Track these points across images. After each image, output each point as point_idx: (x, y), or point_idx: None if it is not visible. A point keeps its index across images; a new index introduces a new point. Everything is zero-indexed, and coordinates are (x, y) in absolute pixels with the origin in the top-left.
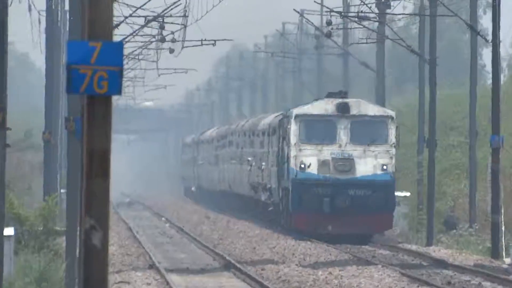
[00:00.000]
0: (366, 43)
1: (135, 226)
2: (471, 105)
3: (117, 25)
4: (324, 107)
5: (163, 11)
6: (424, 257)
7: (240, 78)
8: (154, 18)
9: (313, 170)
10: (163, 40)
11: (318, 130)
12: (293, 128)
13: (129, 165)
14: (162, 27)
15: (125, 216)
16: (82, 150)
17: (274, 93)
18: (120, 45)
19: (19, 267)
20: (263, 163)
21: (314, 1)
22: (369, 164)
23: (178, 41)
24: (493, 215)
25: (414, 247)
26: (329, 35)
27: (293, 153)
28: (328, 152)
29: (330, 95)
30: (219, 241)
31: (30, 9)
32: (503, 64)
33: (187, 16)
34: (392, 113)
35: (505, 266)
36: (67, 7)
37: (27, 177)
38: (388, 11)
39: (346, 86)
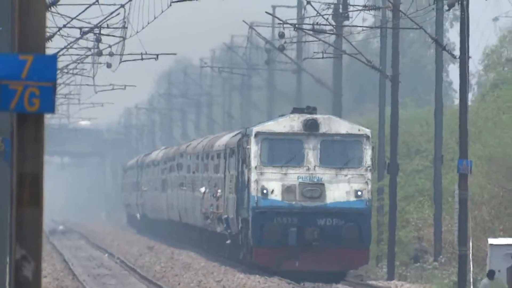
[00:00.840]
0: (322, 58)
1: (70, 257)
2: (436, 126)
3: (50, 37)
4: (290, 124)
5: (100, 22)
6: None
7: (184, 96)
8: (91, 30)
9: (277, 196)
10: (100, 53)
11: (283, 151)
12: (254, 148)
13: (63, 190)
14: (99, 40)
15: (59, 246)
16: (11, 174)
17: (221, 112)
18: (53, 58)
19: None
20: (219, 190)
21: (266, 12)
22: (341, 189)
23: (117, 54)
24: (460, 247)
25: (374, 283)
26: (281, 49)
27: (253, 177)
28: (294, 176)
29: (296, 110)
30: (162, 274)
31: None
32: (472, 82)
33: (126, 28)
34: (367, 131)
35: None
36: None
37: None
38: (346, 23)
39: (299, 104)
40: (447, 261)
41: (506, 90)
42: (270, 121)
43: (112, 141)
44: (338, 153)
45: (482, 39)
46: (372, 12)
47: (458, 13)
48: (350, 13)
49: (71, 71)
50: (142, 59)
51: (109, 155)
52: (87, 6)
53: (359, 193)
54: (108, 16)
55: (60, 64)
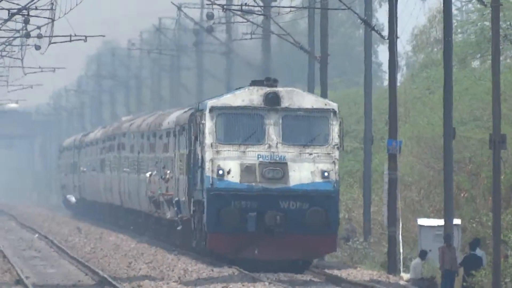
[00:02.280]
0: (251, 38)
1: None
2: (366, 107)
3: None
4: (249, 97)
5: (28, 3)
6: (315, 272)
7: (113, 78)
8: (19, 11)
9: (235, 177)
10: (28, 35)
11: (241, 127)
12: (208, 124)
13: None
14: (27, 21)
15: None
16: None
17: (150, 94)
18: None
19: None
20: (168, 171)
21: None
22: (306, 170)
23: (45, 36)
24: (389, 228)
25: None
26: (210, 30)
27: (208, 156)
28: (253, 154)
29: (255, 83)
30: (92, 255)
31: None
32: (401, 63)
33: (55, 10)
34: (334, 105)
35: (403, 282)
36: None
37: None
38: (274, 3)
39: (228, 86)
40: (377, 242)
41: (435, 71)
42: (226, 94)
43: (41, 123)
44: (302, 129)
45: (410, 20)
46: None
47: None
48: None
49: None
50: (71, 40)
51: (38, 137)
52: None
53: (326, 173)
54: None
55: None
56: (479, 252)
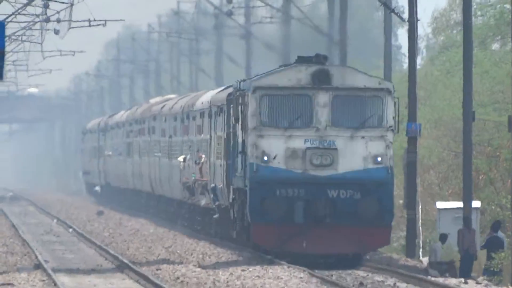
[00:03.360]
0: (271, 22)
1: (19, 223)
2: None
3: None
4: (296, 76)
5: None
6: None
7: (132, 62)
8: None
9: (280, 163)
10: (47, 20)
11: (287, 109)
12: (252, 106)
13: (11, 157)
14: (46, 6)
15: (9, 213)
16: None
17: (169, 78)
18: (1, 25)
19: None
20: (202, 155)
21: None
22: (357, 155)
23: (64, 21)
24: (408, 211)
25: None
26: (229, 14)
27: (251, 140)
28: (301, 139)
29: (301, 59)
30: (111, 240)
31: None
32: (421, 45)
33: None
34: (389, 84)
35: (423, 265)
36: None
37: None
38: None
39: (248, 70)
40: (396, 225)
41: (455, 53)
42: (271, 73)
43: (60, 107)
44: (354, 111)
45: (431, 2)
46: None
47: None
48: None
49: (19, 38)
50: (90, 25)
51: (58, 121)
52: None
53: (379, 158)
54: None
55: (7, 31)
56: (500, 234)
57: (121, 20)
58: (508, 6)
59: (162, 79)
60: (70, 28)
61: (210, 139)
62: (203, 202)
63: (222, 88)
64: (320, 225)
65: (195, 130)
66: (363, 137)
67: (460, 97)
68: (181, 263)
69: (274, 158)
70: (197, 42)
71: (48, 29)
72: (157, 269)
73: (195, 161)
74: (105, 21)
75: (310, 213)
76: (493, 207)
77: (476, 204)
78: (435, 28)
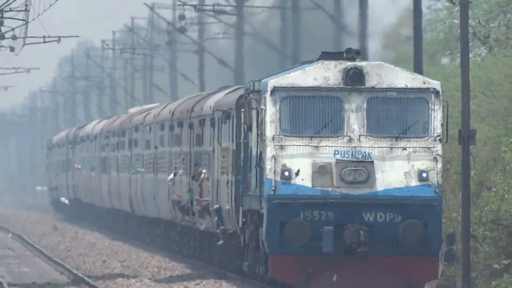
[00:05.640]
0: (223, 38)
1: None
2: None
3: None
4: (323, 74)
5: (2, 5)
6: None
7: (86, 78)
8: None
9: (305, 181)
10: (2, 37)
11: (313, 114)
12: (270, 110)
13: None
14: (1, 23)
15: None
16: None
17: (124, 94)
18: None
19: None
20: (203, 170)
21: None
22: (398, 170)
23: (19, 37)
24: None
25: None
26: (182, 30)
27: (269, 152)
28: (329, 150)
29: (327, 56)
30: (66, 254)
31: None
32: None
33: (29, 11)
34: (436, 84)
35: None
36: None
37: None
38: (247, 4)
39: (202, 86)
40: None
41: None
42: (293, 70)
43: (15, 123)
44: (394, 116)
45: (381, 18)
46: None
47: None
48: None
49: None
50: (44, 42)
51: (13, 137)
52: None
53: (424, 174)
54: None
55: None
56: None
57: (75, 36)
58: (456, 21)
59: (116, 94)
60: (24, 44)
61: (213, 151)
62: (203, 226)
63: (231, 89)
64: (354, 256)
65: (191, 140)
66: (405, 149)
67: None
68: (136, 276)
69: (297, 173)
70: (151, 58)
71: (3, 46)
72: (112, 283)
73: (193, 177)
74: (60, 37)
75: (341, 240)
76: (443, 221)
77: None
78: (386, 43)
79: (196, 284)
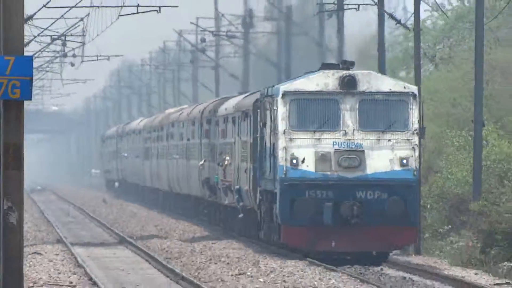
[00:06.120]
0: (234, 56)
1: (45, 208)
2: None
3: (28, 43)
4: (323, 81)
5: (65, 31)
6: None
7: (129, 87)
8: (58, 37)
9: (309, 166)
10: (65, 55)
11: (315, 113)
12: (281, 110)
13: (38, 160)
14: (64, 45)
15: (37, 200)
16: (0, 144)
17: (157, 100)
18: (30, 59)
19: None
20: (226, 157)
21: (191, 23)
22: (384, 157)
23: (78, 56)
24: None
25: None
26: (202, 51)
27: (281, 144)
28: (329, 142)
29: (327, 66)
30: (114, 221)
31: None
32: None
33: (85, 36)
34: (414, 88)
35: None
36: None
37: None
38: (252, 30)
39: (217, 93)
40: None
41: None
42: (299, 78)
43: (75, 121)
44: (380, 114)
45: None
46: (270, 21)
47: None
48: (255, 22)
49: (44, 69)
50: (97, 59)
51: (73, 132)
52: (55, 19)
53: (405, 161)
54: (71, 27)
55: (35, 64)
56: None
57: (121, 55)
58: (411, 43)
59: (152, 100)
60: (82, 61)
61: (235, 142)
62: (226, 201)
63: (248, 93)
64: (348, 226)
65: (217, 134)
66: (389, 140)
67: None
68: (166, 238)
69: (303, 161)
70: (178, 72)
71: (65, 62)
72: (148, 243)
73: (219, 163)
74: (109, 56)
75: (338, 214)
76: None
77: None
78: (357, 59)
79: (213, 243)
